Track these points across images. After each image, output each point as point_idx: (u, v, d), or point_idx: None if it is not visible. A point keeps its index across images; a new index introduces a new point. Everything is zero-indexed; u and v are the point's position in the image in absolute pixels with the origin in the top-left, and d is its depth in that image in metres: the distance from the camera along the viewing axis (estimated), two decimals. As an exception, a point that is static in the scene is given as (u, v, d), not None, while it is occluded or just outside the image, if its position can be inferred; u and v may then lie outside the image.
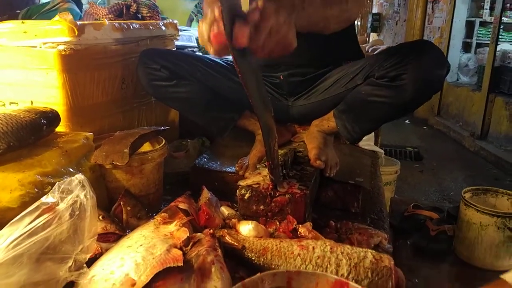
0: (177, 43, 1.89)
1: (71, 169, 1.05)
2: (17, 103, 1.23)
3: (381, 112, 1.23)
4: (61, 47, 1.16)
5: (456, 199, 3.02)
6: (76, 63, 1.22)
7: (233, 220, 1.08)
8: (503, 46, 4.40)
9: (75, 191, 0.73)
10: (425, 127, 5.04)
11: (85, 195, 0.73)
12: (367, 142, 1.74)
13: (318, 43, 1.38)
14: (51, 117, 1.08)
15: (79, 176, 0.75)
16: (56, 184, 0.72)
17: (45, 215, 0.70)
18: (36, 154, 1.01)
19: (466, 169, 3.70)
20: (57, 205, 0.71)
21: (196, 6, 7.81)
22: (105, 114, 1.38)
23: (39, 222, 0.69)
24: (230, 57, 1.53)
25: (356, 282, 0.83)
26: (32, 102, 1.21)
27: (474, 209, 1.55)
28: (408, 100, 1.15)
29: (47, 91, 1.20)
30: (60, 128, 1.17)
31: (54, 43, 1.16)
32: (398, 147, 4.09)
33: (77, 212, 0.72)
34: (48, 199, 0.71)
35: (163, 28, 1.66)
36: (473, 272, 1.59)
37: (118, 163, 1.09)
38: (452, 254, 1.69)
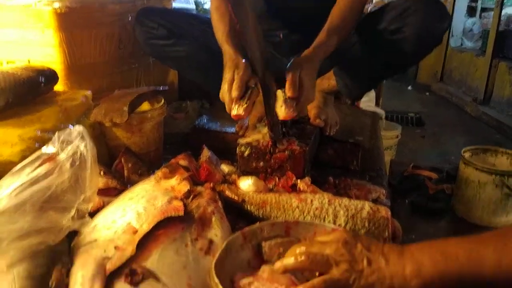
0: (174, 4, 1.86)
1: (70, 126, 1.05)
2: (14, 62, 1.23)
3: (382, 67, 1.22)
4: (56, 4, 1.14)
5: (456, 162, 3.03)
6: (72, 21, 1.20)
7: (233, 176, 1.09)
8: (508, 10, 4.32)
9: (74, 141, 0.73)
10: (427, 93, 5.00)
11: (85, 146, 0.74)
12: (368, 103, 1.74)
13: (318, 1, 1.36)
14: (49, 75, 1.08)
15: (78, 127, 0.75)
16: (56, 134, 0.73)
17: (46, 165, 0.71)
18: (36, 111, 1.02)
19: (468, 134, 3.70)
20: (58, 155, 0.72)
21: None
22: (103, 74, 1.38)
23: (41, 172, 0.70)
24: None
25: (354, 231, 0.85)
26: (29, 61, 1.21)
27: (473, 167, 1.56)
28: (408, 54, 1.14)
29: (43, 49, 1.19)
30: (59, 87, 1.17)
31: (49, 1, 1.14)
32: (400, 113, 4.07)
33: (77, 162, 0.73)
34: (48, 149, 0.72)
35: (160, -14, 1.63)
36: (470, 229, 1.62)
37: (117, 121, 1.09)
38: (450, 212, 1.72)
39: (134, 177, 1.11)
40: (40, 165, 0.71)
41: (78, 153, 0.74)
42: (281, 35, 1.42)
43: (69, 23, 1.19)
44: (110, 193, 1.01)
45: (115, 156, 1.16)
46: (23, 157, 0.91)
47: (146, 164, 1.18)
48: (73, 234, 0.80)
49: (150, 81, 1.59)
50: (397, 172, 2.06)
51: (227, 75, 1.04)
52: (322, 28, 1.37)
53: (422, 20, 1.09)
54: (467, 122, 4.04)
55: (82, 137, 0.74)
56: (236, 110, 1.00)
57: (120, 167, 1.11)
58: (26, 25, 1.18)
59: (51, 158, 0.72)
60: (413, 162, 2.10)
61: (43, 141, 0.96)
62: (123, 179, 1.09)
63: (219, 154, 1.36)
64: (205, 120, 1.48)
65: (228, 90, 1.01)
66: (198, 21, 1.40)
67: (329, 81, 1.36)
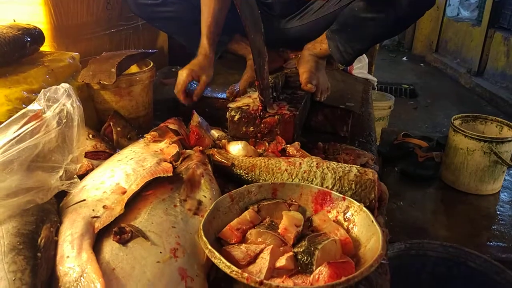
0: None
1: (58, 88, 1.03)
2: (-2, 22, 1.19)
3: (374, 30, 1.20)
4: (41, -40, 1.10)
5: (447, 132, 3.06)
6: (58, -21, 1.17)
7: (223, 140, 1.09)
8: (506, -21, 4.24)
9: (61, 99, 0.72)
10: (422, 64, 4.98)
11: (71, 104, 0.73)
12: (361, 70, 1.73)
13: None
14: (35, 35, 1.06)
15: (65, 85, 0.74)
16: (42, 91, 0.72)
17: (32, 122, 0.70)
18: (22, 72, 0.99)
19: (461, 106, 3.71)
20: (44, 112, 0.71)
21: None
22: (91, 36, 1.35)
23: (27, 129, 0.70)
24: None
25: (340, 193, 0.86)
26: (14, 21, 1.17)
27: (462, 134, 1.57)
28: (401, 16, 1.12)
29: (29, 8, 1.15)
30: (45, 48, 1.15)
31: (35, -43, 1.10)
32: (394, 84, 4.06)
33: (64, 121, 0.72)
34: (34, 106, 0.71)
35: None
36: (457, 196, 1.65)
37: (105, 82, 1.08)
38: (438, 179, 1.74)
39: (123, 141, 1.11)
40: (26, 123, 0.70)
41: (65, 112, 0.74)
42: None
43: (55, -19, 1.16)
44: (99, 157, 1.01)
45: (104, 120, 1.15)
46: (10, 118, 0.90)
47: (136, 129, 1.17)
48: (62, 195, 0.80)
49: (139, 44, 1.56)
50: (388, 140, 2.08)
51: (185, 70, 1.29)
52: None
53: None
54: (460, 94, 4.05)
55: (69, 95, 0.73)
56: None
57: (109, 130, 1.11)
58: (11, -17, 1.15)
59: (37, 115, 0.71)
60: (401, 131, 2.12)
61: (30, 102, 0.95)
62: (112, 142, 1.09)
63: (210, 120, 1.35)
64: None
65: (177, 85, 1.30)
66: None
67: (321, 44, 1.34)
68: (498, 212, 1.56)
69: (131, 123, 1.19)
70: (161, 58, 1.70)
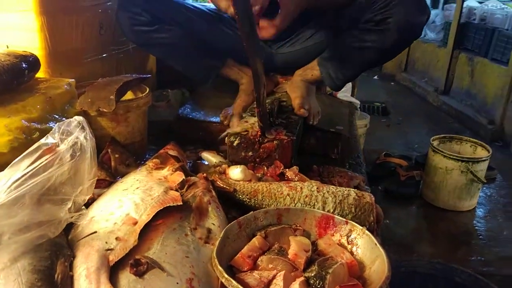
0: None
1: (56, 116, 1.03)
2: (-8, 47, 1.17)
3: (365, 58, 1.26)
4: (38, -13, 1.10)
5: (420, 151, 3.17)
6: (54, 5, 1.16)
7: (224, 165, 1.11)
8: (469, 3, 4.48)
9: (74, 132, 0.73)
10: (392, 83, 5.16)
11: (84, 136, 0.73)
12: (345, 94, 1.79)
13: None
14: (32, 62, 1.05)
15: (78, 118, 0.74)
16: (56, 125, 0.72)
17: (46, 156, 0.70)
18: (20, 100, 0.98)
19: (429, 123, 3.87)
20: (58, 146, 0.71)
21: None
22: (84, 61, 1.34)
23: (41, 163, 0.69)
24: (209, 6, 1.51)
25: (341, 216, 0.89)
26: (8, 46, 1.16)
27: (441, 154, 1.65)
28: (391, 45, 1.18)
29: (24, 34, 1.14)
30: (40, 74, 1.13)
31: (32, -17, 1.10)
32: (367, 102, 4.19)
33: (78, 153, 0.72)
34: (48, 140, 0.71)
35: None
36: (437, 213, 1.73)
37: (105, 110, 1.08)
38: (419, 197, 1.81)
39: (121, 168, 1.11)
40: (40, 157, 0.70)
41: (78, 144, 0.74)
42: None
43: (51, 7, 1.15)
44: (99, 185, 1.00)
45: (100, 147, 1.14)
46: (12, 148, 0.89)
47: (132, 155, 1.17)
48: (69, 227, 0.80)
49: (129, 68, 1.56)
50: (369, 160, 2.15)
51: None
52: (304, 14, 1.40)
53: (405, 12, 1.14)
54: (429, 112, 4.22)
55: (82, 128, 0.74)
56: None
57: (107, 158, 1.10)
58: (6, 9, 1.13)
59: (51, 149, 0.71)
60: (380, 150, 2.20)
61: (30, 132, 0.94)
62: (111, 170, 1.08)
63: (204, 144, 1.37)
64: (188, 109, 1.48)
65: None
66: (183, 7, 1.38)
67: (312, 71, 1.39)
68: (475, 228, 1.64)
69: (127, 149, 1.19)
70: (150, 81, 1.71)
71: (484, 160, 1.62)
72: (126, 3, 1.28)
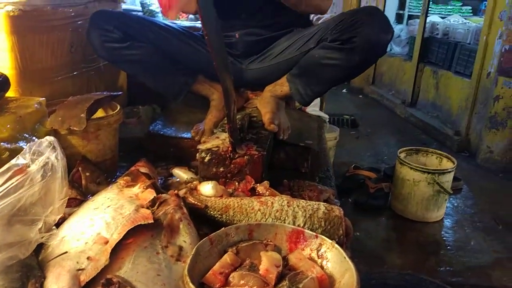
0: (123, 6, 1.83)
1: (26, 135, 1.02)
2: (-40, 66, 1.16)
3: (332, 75, 1.31)
4: (9, 7, 1.09)
5: (389, 162, 3.26)
6: (24, 25, 1.16)
7: (195, 182, 1.12)
8: (432, 18, 4.69)
9: (45, 152, 0.73)
10: (360, 96, 5.30)
11: (55, 156, 0.74)
12: (313, 108, 1.84)
13: (273, 7, 1.43)
14: (2, 82, 1.04)
15: (49, 138, 0.75)
16: (27, 145, 0.72)
17: (17, 177, 0.70)
18: (-11, 120, 0.97)
19: (397, 134, 3.99)
20: (29, 166, 0.71)
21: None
22: (54, 79, 1.33)
23: (11, 184, 0.69)
24: (184, 23, 1.53)
25: (311, 231, 0.92)
26: (-23, 66, 1.14)
27: (408, 167, 1.72)
28: (357, 62, 1.24)
29: (-5, 54, 1.14)
30: (10, 93, 1.12)
31: (2, 3, 1.09)
32: (337, 115, 4.28)
33: (49, 173, 0.73)
34: (19, 160, 0.71)
35: (111, -10, 1.60)
36: (406, 224, 1.78)
37: (75, 128, 1.08)
38: (389, 209, 1.87)
39: (92, 186, 1.10)
40: (10, 177, 0.70)
41: (50, 164, 0.74)
42: (237, 35, 1.47)
43: (21, 26, 1.15)
44: (70, 204, 0.99)
45: (70, 165, 1.13)
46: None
47: (103, 172, 1.17)
48: (40, 247, 0.79)
49: (100, 85, 1.56)
50: (339, 172, 2.20)
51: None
52: (274, 31, 1.45)
53: (370, 32, 1.20)
54: (397, 123, 4.35)
55: (53, 148, 0.74)
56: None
57: (78, 176, 1.10)
58: (-23, 28, 1.12)
59: (21, 170, 0.71)
60: (350, 162, 2.25)
61: (0, 152, 0.93)
62: (81, 188, 1.08)
63: (175, 160, 1.38)
64: (159, 126, 1.48)
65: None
66: (154, 24, 1.40)
67: (282, 87, 1.43)
68: (443, 238, 1.70)
69: (98, 167, 1.18)
70: (121, 97, 1.71)
71: (450, 172, 1.70)
72: (98, 21, 1.29)
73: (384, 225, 1.81)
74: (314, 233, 0.89)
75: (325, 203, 1.02)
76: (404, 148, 1.87)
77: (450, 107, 3.81)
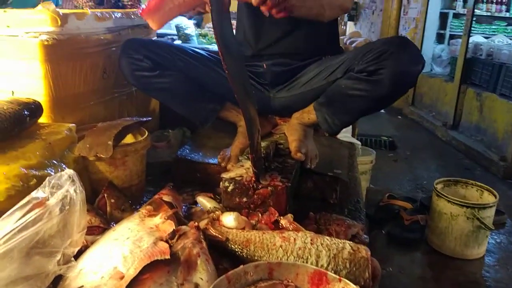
0: (158, 30, 1.88)
1: (55, 161, 1.05)
2: (-3, 93, 1.21)
3: (360, 105, 1.27)
4: (44, 37, 1.14)
5: (429, 188, 3.12)
6: (58, 53, 1.20)
7: (217, 212, 1.11)
8: (475, 38, 4.52)
9: (65, 185, 0.74)
10: (399, 117, 5.15)
11: (74, 190, 0.74)
12: (345, 134, 1.79)
13: (301, 35, 1.42)
14: (34, 108, 1.07)
15: (69, 171, 0.76)
16: (47, 179, 0.73)
17: (36, 210, 0.71)
18: (20, 146, 1.00)
19: (438, 159, 3.82)
20: (48, 199, 0.72)
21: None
22: (86, 105, 1.37)
23: (30, 217, 0.70)
24: (212, 48, 1.54)
25: (335, 272, 0.87)
26: (13, 92, 1.19)
27: (445, 199, 1.62)
28: (385, 94, 1.19)
29: (29, 81, 1.18)
30: (42, 119, 1.16)
31: (37, 32, 1.14)
32: (374, 136, 4.17)
33: (67, 207, 0.73)
34: (38, 193, 0.72)
35: (145, 17, 1.63)
36: (443, 260, 1.67)
37: (102, 155, 1.09)
38: (425, 243, 1.77)
39: (117, 213, 1.11)
40: (29, 210, 0.71)
41: (68, 198, 0.75)
42: (265, 65, 1.46)
43: (55, 54, 1.19)
44: (93, 232, 1.00)
45: (97, 190, 1.16)
46: (8, 196, 0.91)
47: (128, 198, 1.18)
48: (58, 279, 0.80)
49: (132, 109, 1.59)
50: (373, 201, 2.12)
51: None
52: (302, 60, 1.43)
53: (398, 64, 1.16)
54: (438, 147, 4.18)
55: (73, 181, 0.75)
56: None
57: (103, 203, 1.11)
58: (11, 56, 1.17)
59: (40, 203, 0.72)
60: (386, 187, 2.16)
61: (28, 179, 0.96)
62: (106, 216, 1.09)
63: (201, 186, 1.37)
64: (187, 151, 1.49)
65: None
66: (183, 52, 1.42)
67: (309, 114, 1.40)
68: (484, 278, 1.58)
69: (125, 192, 1.19)
70: (153, 121, 1.73)
71: (491, 206, 1.59)
72: (128, 50, 1.32)
73: (419, 261, 1.70)
74: (338, 277, 0.85)
75: (351, 242, 0.97)
76: (442, 179, 1.77)
77: (496, 131, 3.62)
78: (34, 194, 0.74)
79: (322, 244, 0.95)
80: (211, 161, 1.44)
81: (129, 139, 1.30)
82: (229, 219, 1.06)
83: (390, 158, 3.86)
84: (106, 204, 1.11)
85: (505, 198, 1.97)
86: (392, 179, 3.35)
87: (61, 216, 0.74)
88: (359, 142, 1.86)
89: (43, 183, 0.74)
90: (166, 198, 1.11)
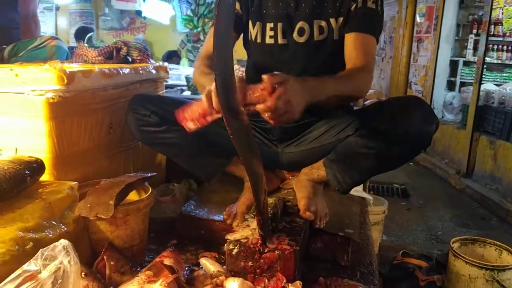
0: (169, 81, 1.89)
1: (54, 222, 1.01)
2: (1, 150, 1.20)
3: (371, 164, 1.23)
4: (49, 94, 1.14)
5: (443, 240, 3.01)
6: (63, 110, 1.20)
7: (221, 277, 1.05)
8: (486, 86, 4.51)
9: (58, 257, 0.70)
10: (411, 164, 5.08)
11: (69, 261, 0.71)
12: (356, 188, 1.74)
13: None
14: (36, 167, 1.06)
15: (64, 241, 0.72)
16: (40, 250, 0.70)
17: (27, 283, 0.67)
18: (18, 207, 0.97)
19: (452, 208, 3.72)
20: (39, 273, 0.68)
21: (186, 35, 7.97)
22: (91, 160, 1.35)
23: (19, 292, 0.66)
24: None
25: None
26: (16, 150, 1.18)
27: (463, 260, 1.54)
28: (397, 154, 1.16)
29: (32, 138, 1.17)
30: (45, 176, 1.14)
31: (43, 90, 1.14)
32: (386, 183, 4.10)
33: (59, 280, 0.69)
34: (30, 266, 0.69)
35: (153, 71, 1.66)
36: (462, 325, 1.57)
37: (103, 216, 1.06)
38: (442, 305, 1.67)
39: (116, 276, 1.06)
40: (20, 284, 0.67)
41: (61, 270, 0.71)
42: None
43: (60, 112, 1.18)
44: (90, 298, 0.95)
45: (98, 250, 1.12)
46: (3, 261, 0.86)
47: (128, 260, 1.13)
48: None
49: (138, 162, 1.57)
50: (386, 257, 2.03)
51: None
52: (311, 116, 1.41)
53: (412, 124, 1.13)
54: (452, 195, 4.08)
55: (67, 252, 0.71)
56: None
57: (102, 265, 1.06)
58: (16, 113, 1.17)
59: (32, 276, 0.68)
60: (401, 243, 2.07)
61: (24, 242, 0.92)
62: (104, 279, 1.03)
63: (206, 244, 1.32)
64: (192, 206, 1.45)
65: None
66: None
67: (318, 171, 1.37)
68: None
69: (126, 252, 1.15)
70: (159, 174, 1.71)
71: (511, 268, 1.50)
72: (135, 105, 1.32)
73: (436, 325, 1.60)
74: None
75: (362, 314, 0.90)
76: (458, 238, 1.69)
77: (511, 180, 3.53)
78: (25, 266, 0.70)
79: (332, 317, 0.89)
80: (216, 217, 1.39)
81: (133, 195, 1.27)
82: (233, 286, 1.00)
83: (403, 206, 3.76)
84: (105, 267, 1.06)
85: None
86: (405, 230, 3.25)
87: (52, 290, 0.70)
88: (370, 197, 1.80)
89: (36, 254, 0.70)
90: (167, 261, 1.05)
